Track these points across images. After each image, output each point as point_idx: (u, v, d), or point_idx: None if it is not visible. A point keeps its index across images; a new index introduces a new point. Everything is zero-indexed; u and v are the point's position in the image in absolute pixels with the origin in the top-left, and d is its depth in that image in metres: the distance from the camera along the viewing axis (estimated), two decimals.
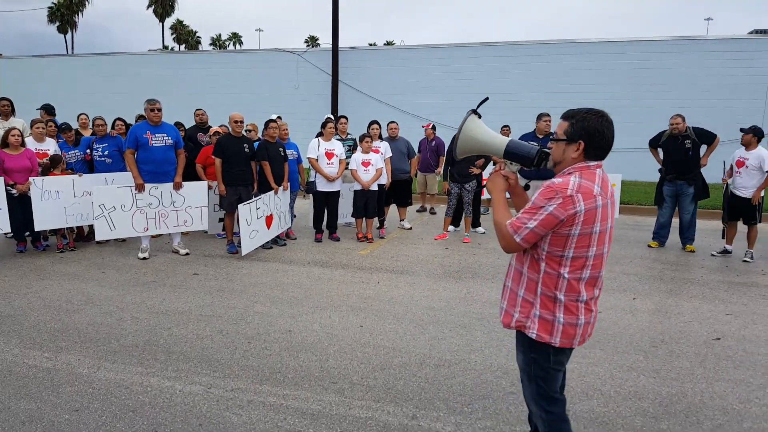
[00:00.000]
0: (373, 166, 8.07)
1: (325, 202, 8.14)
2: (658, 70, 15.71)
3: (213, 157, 7.32)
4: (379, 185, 8.18)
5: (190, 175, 7.74)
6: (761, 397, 3.54)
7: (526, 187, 2.50)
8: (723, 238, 7.72)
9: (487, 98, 2.56)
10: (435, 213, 10.93)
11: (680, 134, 7.74)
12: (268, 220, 7.42)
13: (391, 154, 8.61)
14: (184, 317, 4.91)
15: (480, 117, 2.44)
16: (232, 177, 7.25)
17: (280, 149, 7.62)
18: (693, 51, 15.52)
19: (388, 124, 9.23)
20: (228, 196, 7.25)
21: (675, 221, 8.11)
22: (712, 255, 7.59)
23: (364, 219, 8.28)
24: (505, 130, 10.44)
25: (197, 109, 8.94)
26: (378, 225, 8.69)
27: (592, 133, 2.18)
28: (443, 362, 4.02)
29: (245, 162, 7.32)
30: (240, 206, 6.85)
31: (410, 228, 9.27)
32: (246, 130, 8.12)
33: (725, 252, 7.59)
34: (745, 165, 7.28)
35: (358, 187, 8.08)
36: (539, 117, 8.05)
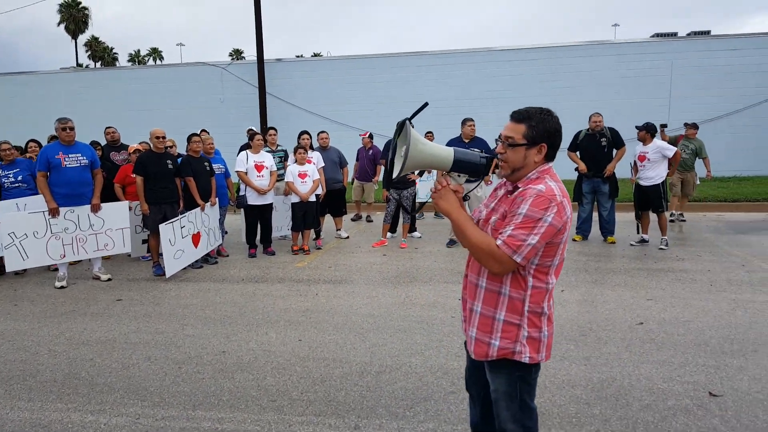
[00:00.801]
0: (309, 177, 8.00)
1: (258, 216, 7.98)
2: (571, 73, 16.50)
3: (133, 175, 7.03)
4: (315, 195, 8.13)
5: (109, 196, 7.42)
6: (682, 375, 3.75)
7: (466, 198, 2.26)
8: (638, 233, 8.21)
9: (426, 104, 2.25)
10: (372, 221, 10.95)
11: (598, 132, 8.15)
12: (195, 238, 7.20)
13: (323, 164, 8.57)
14: (107, 346, 4.63)
15: (413, 126, 2.16)
16: (156, 195, 6.98)
17: (206, 164, 7.42)
18: (602, 54, 16.42)
19: (318, 134, 9.19)
20: (152, 215, 6.97)
21: (596, 215, 8.51)
22: (631, 245, 8.01)
23: (300, 231, 8.18)
24: (429, 135, 10.62)
25: (108, 127, 8.58)
26: (314, 236, 8.62)
27: (552, 134, 2.08)
28: (384, 368, 4.01)
29: (169, 179, 7.07)
30: (161, 226, 6.60)
31: (347, 237, 9.25)
32: (166, 147, 7.87)
33: (643, 241, 8.03)
34: (647, 158, 7.82)
35: (295, 199, 7.98)
36: (464, 122, 8.24)
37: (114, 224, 6.97)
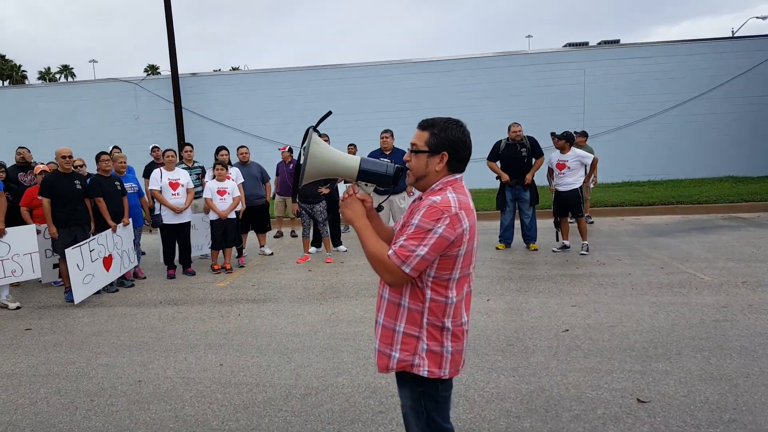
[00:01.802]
0: (229, 195, 7.73)
1: (175, 235, 7.62)
2: (486, 84, 16.77)
3: (40, 197, 6.56)
4: (235, 212, 7.86)
5: (15, 220, 6.90)
6: (609, 382, 3.77)
7: (379, 209, 2.26)
8: (557, 240, 8.40)
9: (330, 112, 2.35)
10: (296, 236, 10.73)
11: (518, 141, 8.33)
12: (107, 261, 6.77)
13: (242, 180, 8.30)
14: (13, 380, 4.27)
15: (321, 135, 2.20)
16: (65, 217, 6.55)
17: (116, 183, 7.02)
18: (516, 65, 16.77)
19: (238, 149, 8.89)
20: (61, 239, 6.52)
21: (517, 223, 8.66)
22: (553, 251, 8.19)
23: (220, 250, 7.87)
24: (352, 148, 10.57)
25: (19, 147, 8.04)
26: (237, 254, 8.32)
27: (455, 143, 2.06)
28: (310, 390, 3.85)
29: (78, 200, 6.65)
30: (67, 250, 6.21)
31: (271, 253, 8.99)
32: (75, 166, 7.39)
33: (564, 247, 8.23)
34: (566, 167, 8.01)
35: (213, 217, 7.67)
36: (381, 134, 8.25)
37: (21, 249, 6.54)
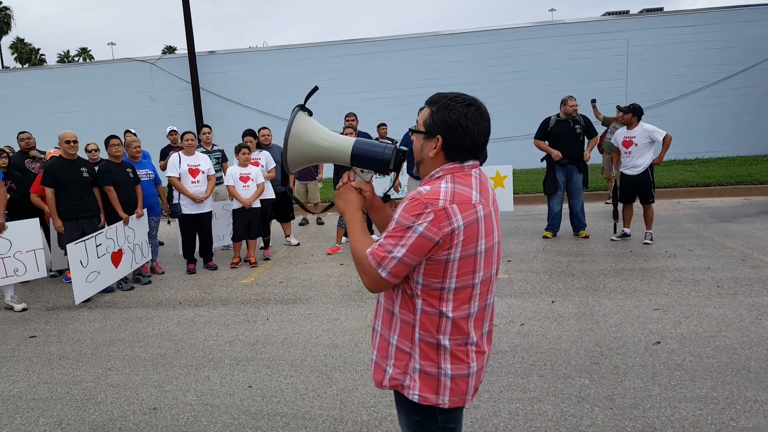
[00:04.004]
0: (253, 181, 7.02)
1: (195, 226, 6.95)
2: (521, 57, 15.73)
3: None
4: (262, 201, 7.16)
5: (23, 210, 6.38)
6: (735, 418, 3.00)
7: (386, 199, 1.95)
8: (615, 231, 7.52)
9: (316, 87, 2.02)
10: (323, 223, 10.04)
11: (572, 118, 7.46)
12: (116, 256, 6.16)
13: (274, 165, 7.58)
14: (10, 405, 3.67)
15: (311, 114, 1.88)
16: (71, 209, 5.98)
17: (128, 170, 6.35)
18: (552, 36, 15.67)
19: (259, 131, 8.14)
20: (68, 233, 5.93)
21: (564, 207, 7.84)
22: (612, 240, 7.36)
23: (243, 242, 7.19)
24: (383, 129, 9.77)
25: (21, 132, 7.38)
26: (262, 245, 7.64)
27: (452, 127, 1.65)
28: (360, 427, 3.16)
29: (85, 189, 6.04)
30: (69, 246, 5.60)
31: (298, 244, 8.32)
32: (89, 150, 6.75)
33: (624, 235, 7.38)
34: (633, 143, 7.06)
35: (237, 206, 6.99)
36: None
37: (24, 246, 5.90)
